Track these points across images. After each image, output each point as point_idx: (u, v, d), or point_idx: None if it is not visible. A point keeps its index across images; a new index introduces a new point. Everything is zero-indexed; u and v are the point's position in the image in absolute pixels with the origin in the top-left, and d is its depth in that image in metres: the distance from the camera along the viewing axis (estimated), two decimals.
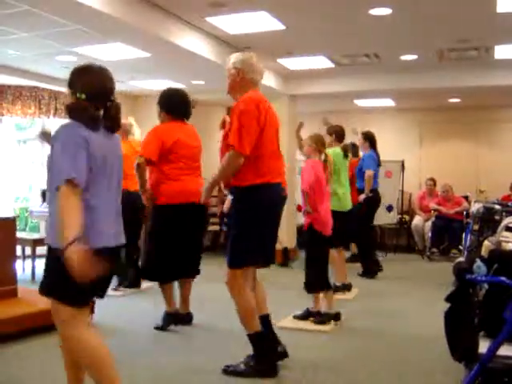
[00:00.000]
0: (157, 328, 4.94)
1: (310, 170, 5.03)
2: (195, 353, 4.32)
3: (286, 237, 8.95)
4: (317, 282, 5.10)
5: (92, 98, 2.70)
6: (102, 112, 2.74)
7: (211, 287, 5.83)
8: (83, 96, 2.69)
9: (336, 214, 5.57)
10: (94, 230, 2.61)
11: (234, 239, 3.82)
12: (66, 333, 2.72)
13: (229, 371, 3.82)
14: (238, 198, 3.83)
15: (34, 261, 7.00)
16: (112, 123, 2.79)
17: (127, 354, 4.17)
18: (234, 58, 3.97)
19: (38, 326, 4.48)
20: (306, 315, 5.24)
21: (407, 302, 6.19)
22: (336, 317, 5.15)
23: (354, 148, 8.85)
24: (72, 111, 2.70)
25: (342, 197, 6.28)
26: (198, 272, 5.15)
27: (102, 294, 2.90)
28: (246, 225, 3.76)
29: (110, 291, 6.21)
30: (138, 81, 8.56)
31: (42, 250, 6.34)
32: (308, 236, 5.10)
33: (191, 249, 5.01)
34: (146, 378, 3.76)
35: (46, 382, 3.61)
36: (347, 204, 6.37)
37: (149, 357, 4.18)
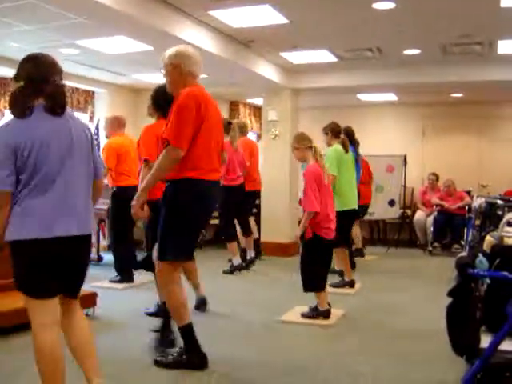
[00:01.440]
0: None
1: (309, 186, 4.92)
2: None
3: (287, 231, 8.95)
4: (313, 282, 5.04)
5: (29, 82, 2.72)
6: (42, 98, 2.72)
7: (215, 280, 5.84)
8: (21, 83, 2.73)
9: (341, 214, 5.59)
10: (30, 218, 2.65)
11: (163, 232, 3.77)
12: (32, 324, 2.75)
13: (159, 363, 3.82)
14: (169, 191, 3.76)
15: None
16: (51, 104, 2.73)
17: (131, 347, 4.18)
18: (170, 52, 3.80)
19: None
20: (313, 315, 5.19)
21: (409, 297, 6.19)
22: (326, 314, 5.09)
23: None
24: (9, 105, 2.76)
25: (348, 195, 6.22)
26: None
27: (72, 289, 2.89)
28: (175, 218, 3.72)
29: (107, 284, 6.30)
30: (141, 74, 8.55)
31: None
32: (309, 240, 5.02)
33: None
34: (146, 374, 3.78)
35: None
36: (353, 202, 6.35)
37: (147, 351, 4.19)
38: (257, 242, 8.35)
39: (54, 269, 2.70)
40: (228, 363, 3.94)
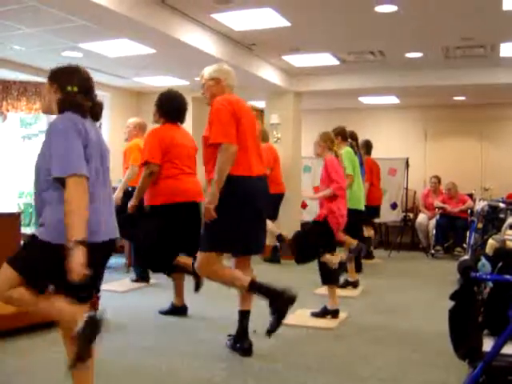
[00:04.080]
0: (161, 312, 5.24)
1: (336, 167, 5.17)
2: (199, 344, 4.33)
3: (289, 233, 8.93)
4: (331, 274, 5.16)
5: (82, 91, 2.80)
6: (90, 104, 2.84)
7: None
8: (75, 89, 2.78)
9: (353, 213, 5.84)
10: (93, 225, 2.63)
11: (210, 225, 3.95)
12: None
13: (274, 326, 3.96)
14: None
15: None
16: (100, 113, 2.92)
17: (132, 349, 4.19)
18: (209, 69, 4.26)
19: (42, 322, 4.48)
20: (323, 313, 5.24)
21: (411, 300, 6.19)
22: (335, 313, 5.18)
23: (367, 146, 8.87)
24: (69, 103, 2.75)
25: (359, 195, 6.52)
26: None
27: (85, 295, 2.89)
28: (222, 213, 3.89)
29: (109, 286, 6.32)
30: (143, 77, 8.56)
31: None
32: (319, 226, 5.12)
33: (189, 247, 5.07)
34: (149, 372, 3.78)
35: (51, 375, 3.62)
36: (362, 203, 6.63)
37: (152, 351, 4.19)
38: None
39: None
40: (229, 366, 3.94)
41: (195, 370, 3.85)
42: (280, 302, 3.87)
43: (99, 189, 2.73)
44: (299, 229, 9.27)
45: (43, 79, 7.89)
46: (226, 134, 3.85)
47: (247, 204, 3.98)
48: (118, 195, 6.20)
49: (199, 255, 4.07)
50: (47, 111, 2.90)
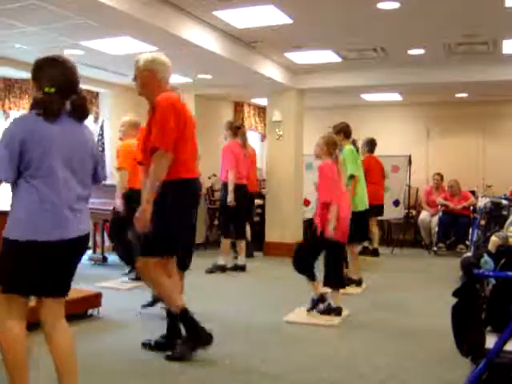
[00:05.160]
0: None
1: (325, 177, 5.10)
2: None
3: (292, 231, 8.96)
4: (338, 278, 5.24)
5: (60, 91, 2.78)
6: (68, 104, 2.81)
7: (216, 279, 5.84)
8: (52, 90, 2.76)
9: (357, 213, 5.93)
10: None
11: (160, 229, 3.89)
12: None
13: (171, 357, 3.91)
14: (160, 192, 3.86)
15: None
16: (80, 114, 2.87)
17: (129, 348, 4.20)
18: (145, 58, 4.06)
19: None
20: (314, 305, 5.26)
21: (413, 297, 6.19)
22: (338, 311, 5.19)
23: (371, 144, 8.87)
24: (38, 104, 2.75)
25: (361, 194, 6.47)
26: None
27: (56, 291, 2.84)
28: (171, 216, 3.89)
29: (112, 284, 6.31)
30: None
31: None
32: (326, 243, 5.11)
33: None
34: (148, 373, 3.79)
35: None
36: (366, 202, 6.60)
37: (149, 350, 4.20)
38: (248, 246, 8.35)
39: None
40: (231, 363, 3.94)
41: (199, 366, 3.87)
42: (195, 342, 3.92)
43: (59, 189, 2.71)
44: (302, 226, 9.31)
45: None
46: (167, 141, 3.80)
47: (194, 206, 4.11)
48: (117, 203, 6.22)
49: (140, 260, 3.99)
50: None
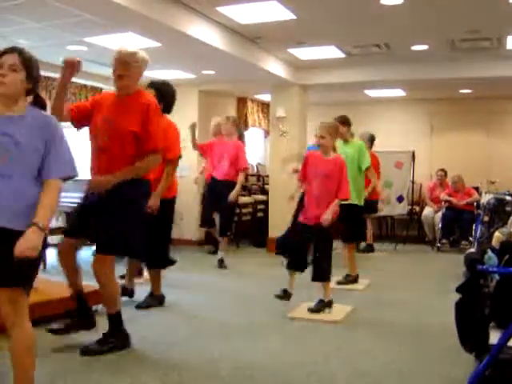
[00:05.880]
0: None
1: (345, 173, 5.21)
2: (194, 338, 4.35)
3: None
4: (329, 272, 5.19)
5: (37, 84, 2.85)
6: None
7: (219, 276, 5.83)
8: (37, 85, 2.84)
9: (357, 208, 6.13)
10: None
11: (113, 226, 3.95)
12: None
13: (87, 351, 3.91)
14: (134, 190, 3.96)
15: (45, 250, 7.00)
16: (43, 105, 2.91)
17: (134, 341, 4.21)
18: (142, 55, 4.23)
19: (48, 315, 4.49)
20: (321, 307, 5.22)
21: (417, 293, 6.19)
22: (329, 304, 5.21)
23: (372, 140, 8.85)
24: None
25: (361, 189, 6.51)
26: None
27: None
28: (134, 214, 3.98)
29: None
30: (149, 71, 8.53)
31: (54, 238, 6.36)
32: (328, 232, 5.14)
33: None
34: (152, 368, 3.80)
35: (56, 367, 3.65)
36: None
37: (147, 344, 4.21)
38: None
39: None
40: (236, 359, 3.94)
41: (202, 363, 3.88)
42: (115, 343, 3.98)
43: None
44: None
45: (48, 73, 7.93)
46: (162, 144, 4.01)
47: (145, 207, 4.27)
48: None
49: (99, 257, 4.03)
50: None
